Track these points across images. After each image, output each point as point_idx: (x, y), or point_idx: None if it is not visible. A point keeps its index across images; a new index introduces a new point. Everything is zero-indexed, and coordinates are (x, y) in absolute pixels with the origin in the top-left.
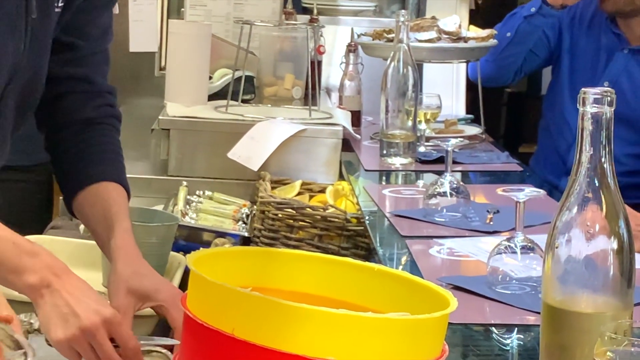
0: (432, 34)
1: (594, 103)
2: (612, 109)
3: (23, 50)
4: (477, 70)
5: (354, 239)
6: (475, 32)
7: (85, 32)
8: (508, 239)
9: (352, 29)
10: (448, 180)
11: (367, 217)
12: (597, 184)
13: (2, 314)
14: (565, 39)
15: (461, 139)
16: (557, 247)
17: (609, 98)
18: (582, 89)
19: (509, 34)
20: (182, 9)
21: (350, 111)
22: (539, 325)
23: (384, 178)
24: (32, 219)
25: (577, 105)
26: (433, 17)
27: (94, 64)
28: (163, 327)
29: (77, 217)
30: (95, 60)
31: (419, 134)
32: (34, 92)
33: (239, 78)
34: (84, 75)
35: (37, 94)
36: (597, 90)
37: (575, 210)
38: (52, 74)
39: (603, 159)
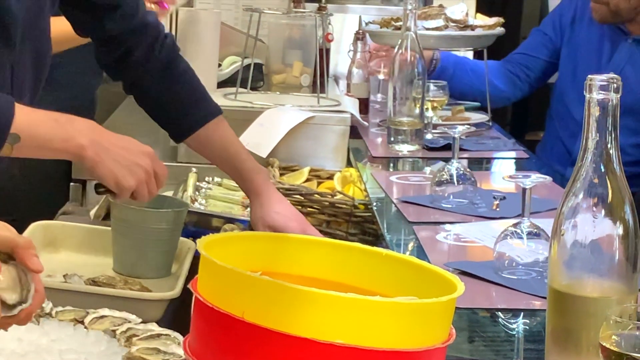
0: (440, 22)
1: (600, 90)
2: (618, 96)
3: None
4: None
5: (361, 225)
6: (482, 20)
7: None
8: (514, 225)
9: (360, 17)
10: (455, 167)
11: (374, 204)
12: (603, 170)
13: (33, 264)
14: (566, 33)
15: (468, 126)
16: (563, 232)
17: (615, 85)
18: (589, 75)
19: None
20: None
21: (358, 98)
22: (545, 310)
23: (391, 165)
24: (48, 199)
25: (584, 92)
26: (440, 5)
27: (139, 8)
28: (172, 312)
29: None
30: (138, 4)
31: (426, 121)
32: (45, 46)
33: (248, 65)
34: (139, 25)
35: (48, 48)
36: (604, 77)
37: (581, 195)
38: (112, 33)
39: (609, 145)
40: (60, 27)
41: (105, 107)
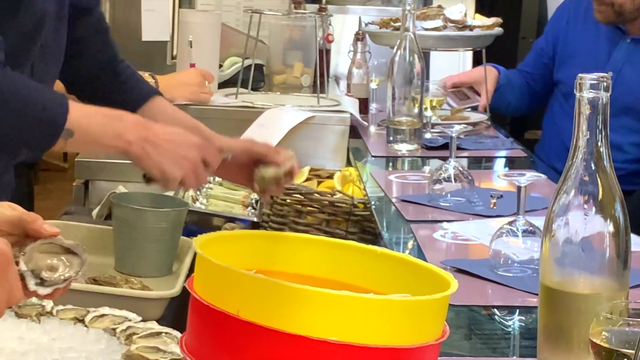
0: (438, 23)
1: (591, 88)
2: (608, 94)
3: None
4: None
5: (360, 224)
6: (480, 20)
7: None
8: (510, 223)
9: (359, 18)
10: (452, 166)
11: (373, 203)
12: (593, 168)
13: (47, 230)
14: (561, 35)
15: (465, 125)
16: (554, 230)
17: (604, 83)
18: (579, 74)
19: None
20: None
21: (358, 98)
22: None
23: (390, 164)
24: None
25: (574, 90)
26: (439, 6)
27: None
28: (173, 310)
29: None
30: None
31: (425, 121)
32: (62, 51)
33: (249, 66)
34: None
35: (62, 54)
36: (594, 75)
37: (572, 193)
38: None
39: (599, 143)
40: None
41: None
